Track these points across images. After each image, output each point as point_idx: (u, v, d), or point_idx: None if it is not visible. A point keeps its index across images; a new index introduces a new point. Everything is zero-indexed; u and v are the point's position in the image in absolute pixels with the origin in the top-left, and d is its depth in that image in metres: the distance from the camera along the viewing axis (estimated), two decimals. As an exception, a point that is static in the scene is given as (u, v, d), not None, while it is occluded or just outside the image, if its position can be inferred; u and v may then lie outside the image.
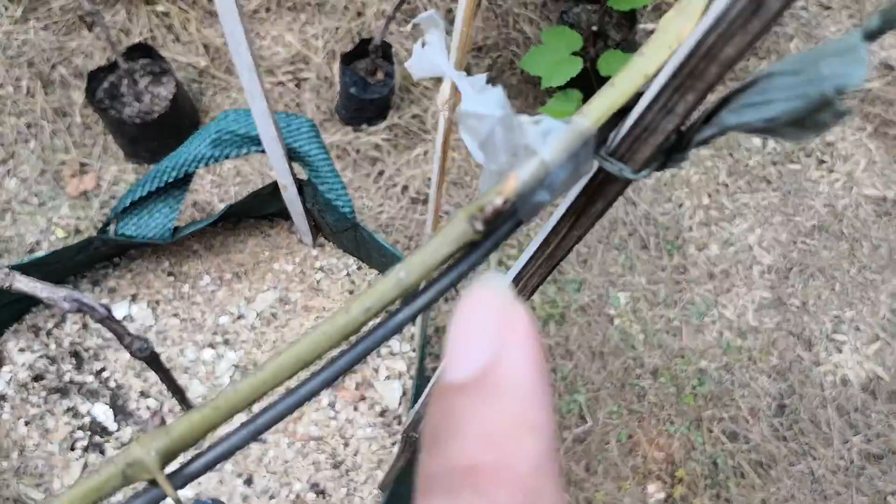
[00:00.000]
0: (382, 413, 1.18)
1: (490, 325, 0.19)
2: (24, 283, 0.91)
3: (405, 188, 1.73)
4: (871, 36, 0.21)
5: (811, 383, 1.56)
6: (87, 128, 1.82)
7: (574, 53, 1.59)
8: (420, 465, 0.19)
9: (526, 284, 0.37)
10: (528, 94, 1.82)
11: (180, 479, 0.25)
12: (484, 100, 0.24)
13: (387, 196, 1.69)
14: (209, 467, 0.25)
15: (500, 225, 0.24)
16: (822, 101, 0.21)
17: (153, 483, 0.25)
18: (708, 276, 1.66)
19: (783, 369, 1.58)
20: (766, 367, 1.58)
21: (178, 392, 1.07)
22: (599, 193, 0.28)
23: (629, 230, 1.70)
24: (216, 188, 1.68)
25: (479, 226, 0.23)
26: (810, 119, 0.22)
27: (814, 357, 1.59)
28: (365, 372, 1.21)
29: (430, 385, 0.68)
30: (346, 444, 1.16)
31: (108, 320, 0.95)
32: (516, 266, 0.37)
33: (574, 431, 1.52)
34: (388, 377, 1.20)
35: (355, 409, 1.18)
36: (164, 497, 0.25)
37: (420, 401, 0.74)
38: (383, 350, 1.22)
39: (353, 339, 0.25)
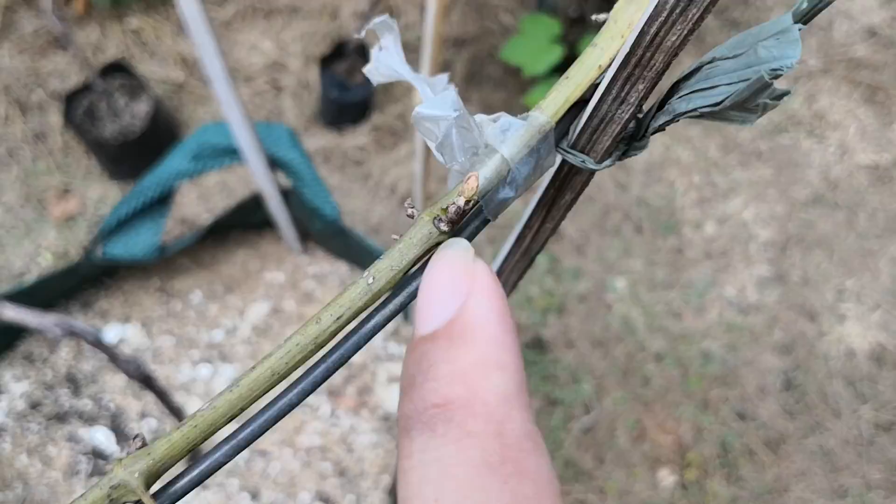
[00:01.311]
0: (385, 418, 1.17)
1: (454, 280, 0.20)
2: (14, 312, 0.90)
3: (393, 188, 1.71)
4: (802, 17, 0.21)
5: (817, 356, 1.55)
6: (68, 150, 1.80)
7: (554, 41, 1.57)
8: (398, 409, 0.20)
9: (507, 280, 0.36)
10: (511, 85, 1.80)
11: (167, 499, 0.25)
12: (439, 102, 0.23)
13: (376, 197, 1.67)
14: (195, 484, 0.25)
15: (466, 224, 0.24)
16: (761, 84, 0.21)
17: (139, 504, 0.24)
18: (705, 256, 1.64)
19: (788, 344, 1.56)
20: (771, 343, 1.56)
21: (174, 411, 1.05)
22: (567, 185, 0.28)
23: (623, 215, 1.68)
24: (202, 202, 1.66)
25: (444, 227, 0.23)
26: (752, 101, 0.22)
27: (818, 329, 1.57)
28: (364, 377, 1.19)
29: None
30: (350, 451, 1.15)
31: (99, 345, 0.94)
32: (494, 264, 0.36)
33: (581, 421, 1.50)
34: (389, 380, 1.19)
35: (357, 415, 1.17)
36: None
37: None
38: (381, 354, 1.20)
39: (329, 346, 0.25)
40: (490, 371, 0.19)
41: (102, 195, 1.74)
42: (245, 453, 1.15)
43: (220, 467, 0.25)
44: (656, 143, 1.77)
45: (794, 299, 1.60)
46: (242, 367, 1.20)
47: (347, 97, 1.65)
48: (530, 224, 0.31)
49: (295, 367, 0.25)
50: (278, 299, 1.24)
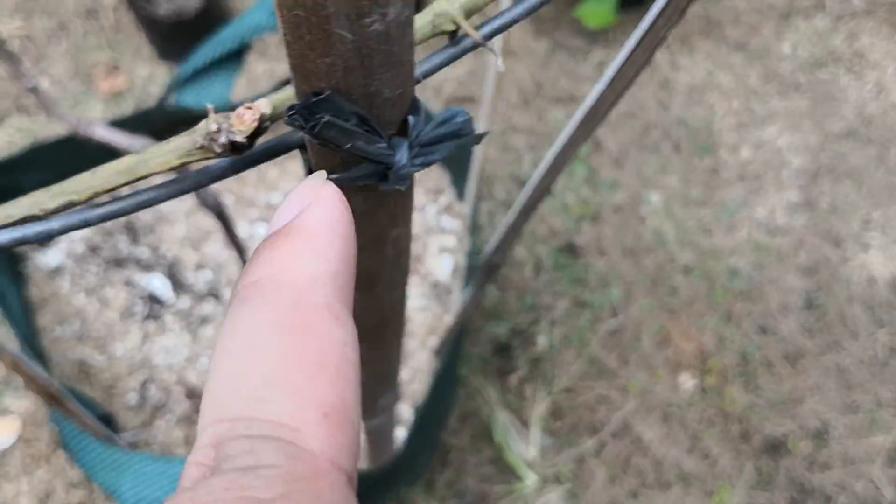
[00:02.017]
0: (435, 285, 1.21)
1: (301, 195, 0.23)
2: (103, 133, 0.93)
3: (439, 90, 1.74)
4: None
5: (838, 280, 1.60)
6: (119, 27, 1.82)
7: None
8: (243, 278, 0.22)
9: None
10: None
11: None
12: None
13: (421, 96, 1.70)
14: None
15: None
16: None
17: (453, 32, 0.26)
18: (739, 178, 1.69)
19: (811, 267, 1.61)
20: (795, 265, 1.61)
21: (239, 248, 1.09)
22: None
23: (662, 133, 1.72)
24: (249, 89, 1.69)
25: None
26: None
27: (841, 256, 1.62)
28: (417, 247, 1.23)
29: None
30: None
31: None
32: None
33: (608, 323, 1.55)
34: (439, 251, 1.23)
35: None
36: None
37: (498, 229, 0.77)
38: (434, 226, 1.25)
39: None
40: (304, 257, 0.21)
41: (151, 74, 1.76)
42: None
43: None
44: (699, 67, 1.81)
45: (820, 225, 1.65)
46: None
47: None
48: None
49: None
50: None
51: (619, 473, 1.44)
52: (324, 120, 0.21)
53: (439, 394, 1.06)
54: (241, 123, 0.23)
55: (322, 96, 0.21)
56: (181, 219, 1.24)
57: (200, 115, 0.95)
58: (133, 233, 1.24)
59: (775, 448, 1.47)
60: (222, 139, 0.23)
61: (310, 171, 0.26)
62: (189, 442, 1.11)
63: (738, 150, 1.72)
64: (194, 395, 1.14)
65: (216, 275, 1.22)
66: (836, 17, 1.89)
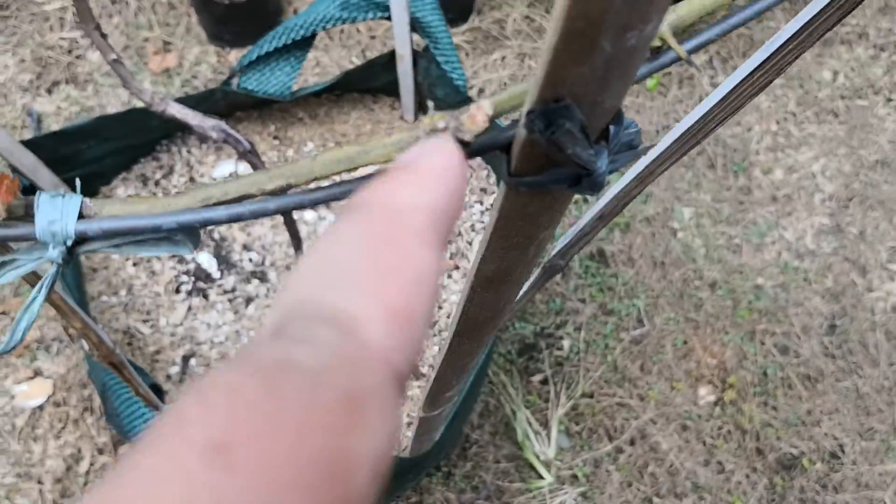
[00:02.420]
0: (474, 283, 1.24)
1: (428, 147, 0.24)
2: (177, 110, 0.96)
3: (481, 91, 1.77)
4: None
5: (862, 307, 1.63)
6: (171, 7, 1.85)
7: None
8: (349, 199, 0.24)
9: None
10: None
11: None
12: None
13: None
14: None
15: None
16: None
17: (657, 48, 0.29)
18: (771, 199, 1.71)
19: (837, 292, 1.64)
20: (821, 289, 1.64)
21: (296, 237, 1.12)
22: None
23: (698, 149, 1.74)
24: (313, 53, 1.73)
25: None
26: None
27: (867, 283, 1.65)
28: (459, 243, 1.26)
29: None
30: (439, 308, 1.22)
31: (250, 154, 1.00)
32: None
33: (632, 333, 1.58)
34: (481, 250, 1.26)
35: (449, 276, 1.24)
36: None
37: (570, 232, 0.79)
38: (478, 225, 1.28)
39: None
40: (410, 187, 0.23)
41: (200, 56, 1.80)
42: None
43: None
44: (738, 87, 1.83)
45: (848, 252, 1.67)
46: (345, 217, 1.27)
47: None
48: None
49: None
50: (385, 162, 1.31)
51: (633, 479, 1.47)
52: (565, 127, 0.23)
53: (471, 389, 1.09)
54: (474, 123, 0.25)
55: (563, 104, 0.23)
56: (231, 200, 1.28)
57: (261, 100, 0.99)
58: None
59: (789, 467, 1.50)
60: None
61: (508, 172, 0.27)
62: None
63: (772, 172, 1.74)
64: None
65: (262, 256, 1.25)
66: (878, 47, 1.91)
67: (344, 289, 0.20)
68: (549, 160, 0.24)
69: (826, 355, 1.58)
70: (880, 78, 1.87)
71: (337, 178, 0.28)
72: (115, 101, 1.75)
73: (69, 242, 0.26)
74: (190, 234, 0.26)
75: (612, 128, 0.25)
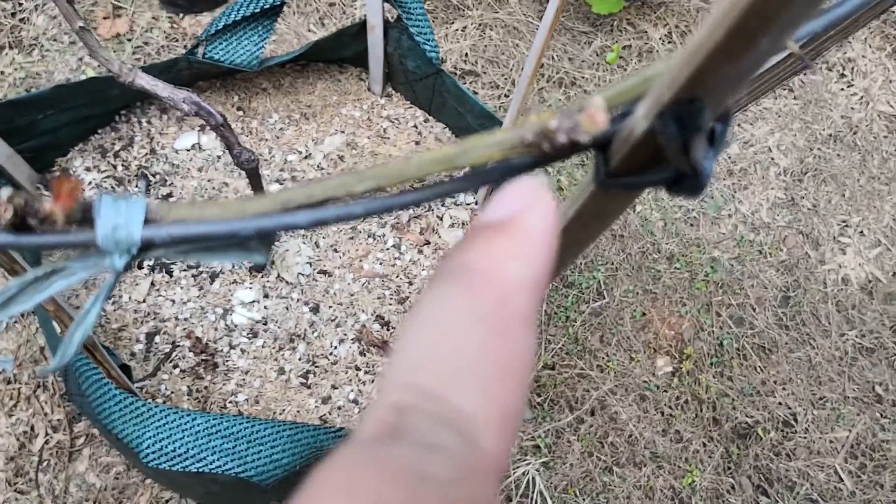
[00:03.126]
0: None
1: (523, 194, 0.24)
2: (147, 81, 0.93)
3: (443, 61, 1.75)
4: None
5: (815, 279, 1.67)
6: (120, -31, 1.79)
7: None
8: (439, 262, 0.24)
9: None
10: (568, -18, 1.84)
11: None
12: None
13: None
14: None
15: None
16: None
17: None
18: (727, 173, 1.74)
19: (790, 265, 1.68)
20: (775, 262, 1.67)
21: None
22: None
23: (657, 122, 1.76)
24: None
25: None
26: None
27: (820, 256, 1.69)
28: (430, 219, 1.25)
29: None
30: (410, 283, 1.21)
31: (222, 127, 0.98)
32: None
33: (591, 305, 1.60)
34: (451, 225, 1.25)
35: (420, 251, 1.23)
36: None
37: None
38: (448, 200, 1.27)
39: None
40: (517, 262, 0.22)
41: (151, 22, 1.74)
42: (307, 269, 1.20)
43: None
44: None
45: (802, 225, 1.71)
46: (312, 191, 1.25)
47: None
48: None
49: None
50: (353, 134, 1.28)
51: (594, 449, 1.50)
52: (700, 129, 0.21)
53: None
54: (593, 123, 0.23)
55: (697, 104, 0.21)
56: (194, 173, 1.24)
57: (224, 70, 0.96)
58: (146, 183, 1.24)
59: (744, 435, 1.54)
60: (562, 138, 0.23)
61: (603, 171, 0.25)
62: (193, 394, 1.12)
63: (729, 146, 1.77)
64: (200, 348, 1.15)
65: (226, 231, 1.23)
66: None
67: (466, 385, 0.20)
68: (652, 160, 0.23)
69: (780, 326, 1.62)
70: (833, 54, 1.91)
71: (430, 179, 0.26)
72: (63, 67, 1.69)
73: (134, 250, 0.24)
74: (265, 240, 0.25)
75: (718, 126, 0.24)
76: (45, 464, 1.37)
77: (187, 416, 0.92)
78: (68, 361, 0.27)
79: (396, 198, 0.25)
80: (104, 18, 1.74)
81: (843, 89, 1.86)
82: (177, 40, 1.71)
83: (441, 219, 1.26)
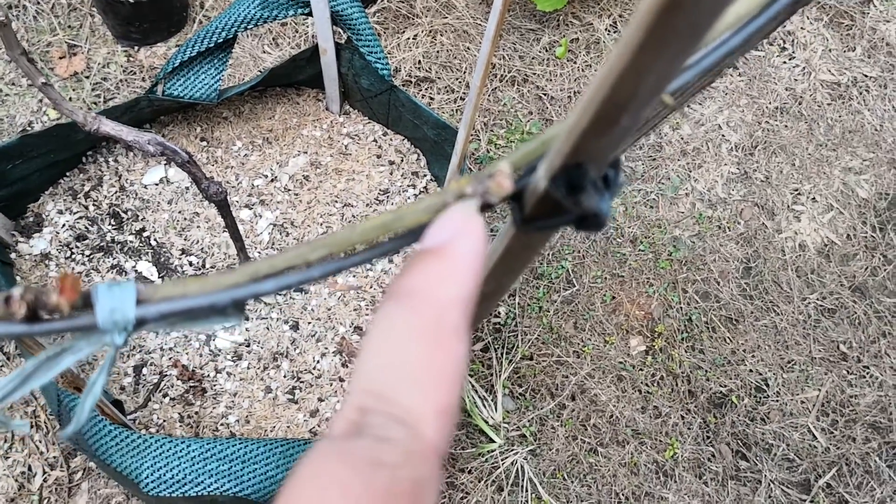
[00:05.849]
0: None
1: (455, 221, 0.29)
2: (110, 127, 0.97)
3: (397, 70, 1.79)
4: None
5: (773, 248, 1.73)
6: (72, 8, 1.81)
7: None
8: (395, 283, 0.29)
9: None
10: (512, -18, 1.89)
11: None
12: None
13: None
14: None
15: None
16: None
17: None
18: (681, 154, 1.80)
19: (749, 236, 1.74)
20: (734, 235, 1.74)
21: (238, 239, 1.14)
22: None
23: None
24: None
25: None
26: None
27: (776, 225, 1.75)
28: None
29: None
30: (384, 292, 1.26)
31: (188, 164, 1.01)
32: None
33: (562, 294, 1.65)
34: (417, 233, 1.30)
35: (390, 261, 1.28)
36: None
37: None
38: (412, 208, 1.31)
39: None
40: (449, 282, 0.27)
41: (108, 57, 1.77)
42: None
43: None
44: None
45: (757, 198, 1.78)
46: (282, 213, 1.29)
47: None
48: None
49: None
50: (315, 154, 1.33)
51: (577, 433, 1.55)
52: (585, 186, 0.26)
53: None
54: (500, 188, 0.28)
55: (581, 169, 0.26)
56: (165, 206, 1.28)
57: (187, 105, 1.01)
58: (118, 219, 1.27)
59: (720, 405, 1.60)
60: (477, 201, 0.28)
61: (518, 218, 0.30)
62: (185, 420, 1.16)
63: (681, 127, 1.83)
64: (187, 375, 1.19)
65: (202, 259, 1.27)
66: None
67: (411, 389, 0.26)
68: (557, 207, 0.28)
69: (744, 297, 1.69)
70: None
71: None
72: (24, 111, 1.72)
73: (130, 328, 0.29)
74: (239, 306, 0.29)
75: (610, 173, 0.29)
76: (45, 502, 1.40)
77: (182, 443, 0.96)
78: (80, 428, 0.31)
79: (347, 260, 0.30)
80: (60, 58, 1.77)
81: (785, 62, 1.92)
82: (134, 73, 1.74)
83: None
